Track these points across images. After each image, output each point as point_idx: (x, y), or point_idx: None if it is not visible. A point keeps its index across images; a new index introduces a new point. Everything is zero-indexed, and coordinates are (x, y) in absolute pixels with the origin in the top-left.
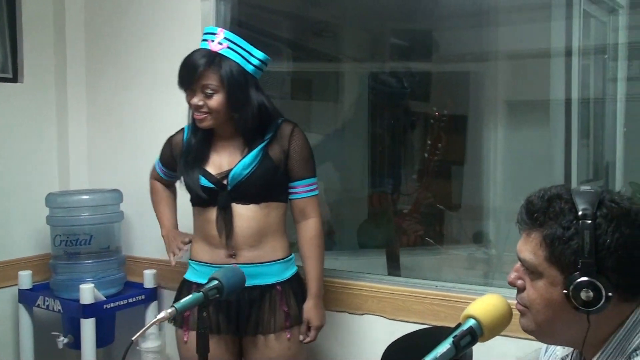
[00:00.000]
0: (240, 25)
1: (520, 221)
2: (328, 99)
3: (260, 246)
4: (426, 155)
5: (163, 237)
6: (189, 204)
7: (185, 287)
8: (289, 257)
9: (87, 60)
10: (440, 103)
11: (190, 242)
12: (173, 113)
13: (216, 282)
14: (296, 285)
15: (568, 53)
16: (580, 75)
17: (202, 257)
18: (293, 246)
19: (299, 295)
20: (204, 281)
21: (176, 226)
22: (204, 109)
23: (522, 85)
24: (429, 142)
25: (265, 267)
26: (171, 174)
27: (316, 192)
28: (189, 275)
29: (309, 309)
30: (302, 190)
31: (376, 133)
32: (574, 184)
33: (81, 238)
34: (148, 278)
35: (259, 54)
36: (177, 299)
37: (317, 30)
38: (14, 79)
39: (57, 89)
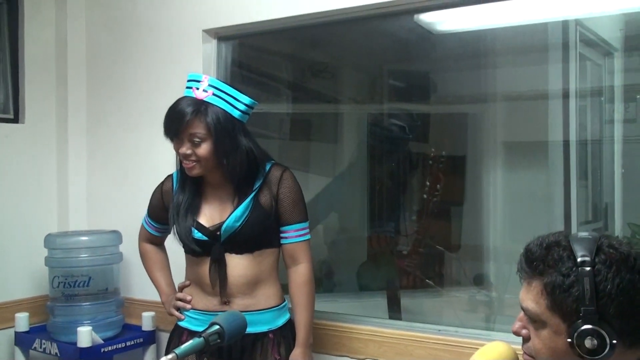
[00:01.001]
0: (240, 66)
1: (520, 270)
2: (327, 140)
3: (253, 294)
4: (425, 196)
5: (163, 303)
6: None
7: (177, 334)
8: (282, 305)
9: (88, 102)
10: (438, 144)
11: (191, 299)
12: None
13: (217, 327)
14: (288, 333)
15: (565, 95)
16: (577, 117)
17: (195, 304)
18: (284, 287)
19: (291, 344)
20: (197, 328)
21: (174, 289)
22: (193, 158)
23: (520, 127)
24: (428, 182)
25: (259, 315)
26: (162, 228)
27: (307, 237)
28: (182, 322)
29: (296, 356)
30: (293, 235)
31: (375, 173)
32: (573, 224)
33: (79, 279)
34: (146, 321)
35: (245, 99)
36: (168, 347)
37: (316, 72)
38: (15, 119)
39: (57, 129)
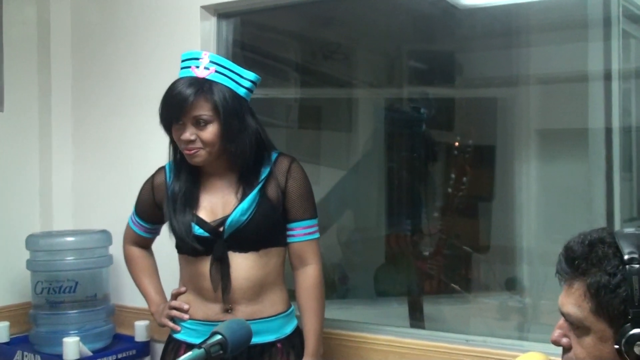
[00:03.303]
0: (242, 47)
1: (560, 271)
2: (340, 129)
3: (259, 299)
4: (450, 190)
5: (152, 313)
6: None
7: (173, 347)
8: (289, 310)
9: (74, 88)
10: (464, 132)
11: (188, 308)
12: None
13: (219, 336)
14: (297, 342)
15: (607, 76)
16: (621, 101)
17: (192, 313)
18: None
19: (301, 353)
20: (195, 341)
21: (165, 298)
22: (197, 144)
23: (556, 113)
24: (453, 175)
25: (265, 324)
26: (152, 228)
27: (316, 236)
28: (178, 334)
29: None
30: (301, 233)
31: (394, 166)
32: (616, 222)
33: (65, 285)
34: (140, 330)
35: (250, 75)
36: None
37: (327, 53)
38: None
39: (40, 118)
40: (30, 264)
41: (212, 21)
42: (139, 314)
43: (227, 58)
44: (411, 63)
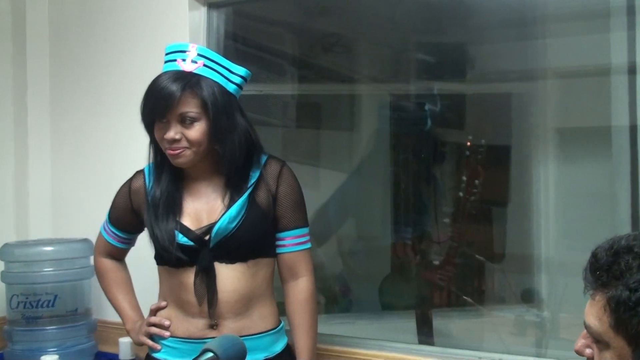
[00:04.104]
0: (235, 39)
1: (585, 279)
2: (341, 128)
3: (247, 314)
4: (461, 194)
5: (128, 331)
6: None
7: None
8: (280, 327)
9: (52, 84)
10: (477, 131)
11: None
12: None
13: (210, 354)
14: None
15: (632, 70)
16: None
17: (174, 330)
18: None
19: None
20: None
21: (141, 315)
22: (182, 143)
23: (577, 109)
24: (464, 178)
25: (254, 341)
26: (127, 238)
27: (308, 245)
28: (158, 353)
29: None
30: (292, 243)
31: (400, 168)
32: None
33: (43, 299)
34: (124, 348)
35: (240, 70)
36: None
37: (327, 45)
38: None
39: (15, 118)
40: (4, 276)
41: (202, 11)
42: (123, 330)
43: (219, 51)
44: (419, 56)
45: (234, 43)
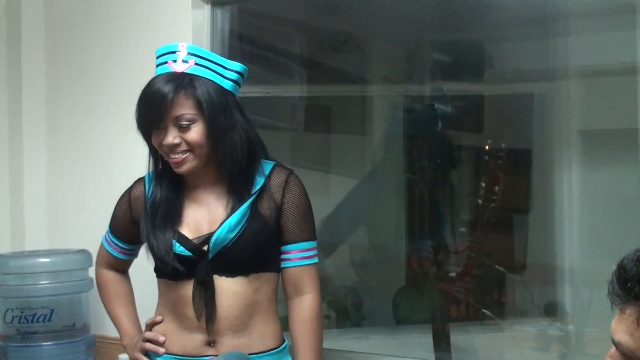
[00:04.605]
0: (240, 39)
1: (611, 293)
2: (352, 131)
3: (247, 332)
4: (480, 201)
5: (125, 347)
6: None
7: None
8: (282, 346)
9: (49, 85)
10: (496, 134)
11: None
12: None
13: None
14: None
15: None
16: None
17: (169, 346)
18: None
19: None
20: None
21: (140, 330)
22: (183, 147)
23: (602, 110)
24: (483, 184)
25: None
26: (129, 250)
27: (315, 260)
28: None
29: None
30: (298, 257)
31: (415, 173)
32: None
33: (39, 313)
34: None
35: (235, 65)
36: None
37: (337, 44)
38: None
39: (9, 121)
40: None
41: (206, 10)
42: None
43: (223, 51)
44: (434, 55)
45: (239, 43)
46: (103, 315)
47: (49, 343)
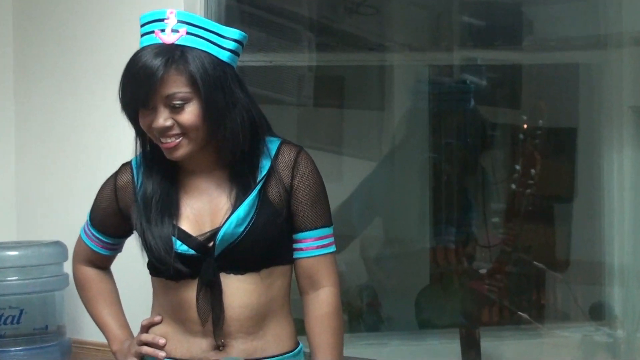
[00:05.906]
0: (240, 0)
1: None
2: (369, 106)
3: (260, 333)
4: (514, 186)
5: (114, 352)
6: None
7: None
8: (298, 349)
9: (16, 60)
10: (534, 110)
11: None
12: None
13: None
14: None
15: None
16: None
17: (171, 350)
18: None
19: None
20: None
21: (130, 333)
22: (175, 131)
23: None
24: (518, 167)
25: None
26: (112, 244)
27: (332, 249)
28: None
29: None
30: (312, 246)
31: (441, 155)
32: None
33: (6, 314)
34: None
35: (232, 32)
36: None
37: (352, 6)
38: None
39: None
40: None
41: None
42: (103, 351)
43: (219, 15)
44: (464, 18)
45: (238, 4)
46: (80, 316)
47: (18, 348)
